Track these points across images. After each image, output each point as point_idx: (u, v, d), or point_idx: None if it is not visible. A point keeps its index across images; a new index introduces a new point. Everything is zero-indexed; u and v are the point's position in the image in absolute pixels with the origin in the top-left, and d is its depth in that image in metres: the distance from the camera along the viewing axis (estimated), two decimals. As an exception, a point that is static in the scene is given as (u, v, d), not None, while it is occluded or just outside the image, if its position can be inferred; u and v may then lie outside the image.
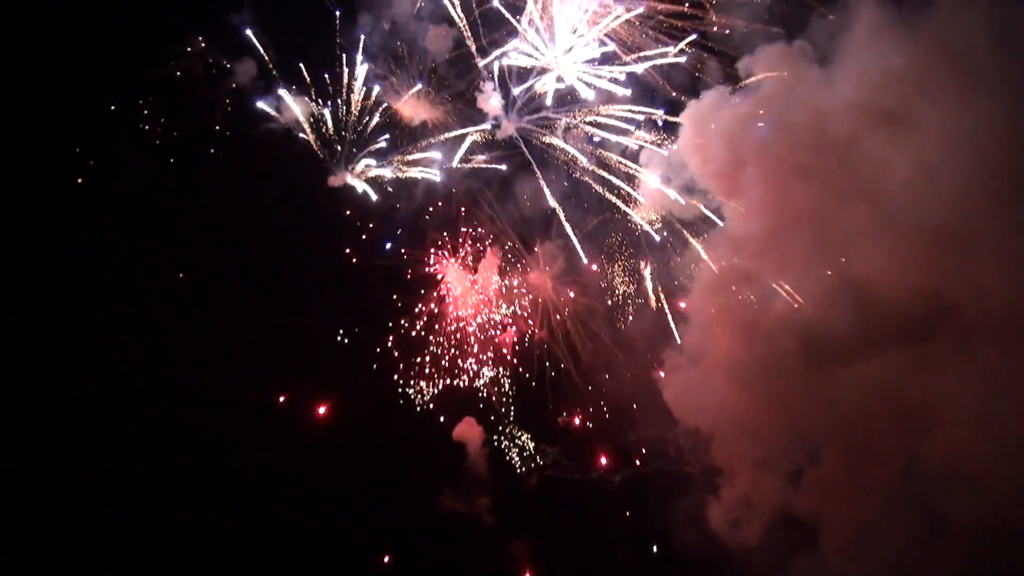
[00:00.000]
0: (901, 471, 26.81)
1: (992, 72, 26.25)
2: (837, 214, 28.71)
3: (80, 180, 32.39)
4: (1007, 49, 25.97)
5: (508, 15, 31.50)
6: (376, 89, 33.13)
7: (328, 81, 32.86)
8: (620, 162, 32.47)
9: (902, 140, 27.66)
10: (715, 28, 31.52)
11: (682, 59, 31.51)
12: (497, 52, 31.66)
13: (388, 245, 34.05)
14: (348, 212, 33.82)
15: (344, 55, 32.62)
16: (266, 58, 32.54)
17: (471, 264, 34.12)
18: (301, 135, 32.92)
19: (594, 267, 33.63)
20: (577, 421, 33.58)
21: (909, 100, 27.57)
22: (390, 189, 33.68)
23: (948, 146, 26.79)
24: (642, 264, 33.37)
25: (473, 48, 32.19)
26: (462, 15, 31.88)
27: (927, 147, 27.26)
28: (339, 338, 33.36)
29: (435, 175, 33.45)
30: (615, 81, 31.64)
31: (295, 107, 32.72)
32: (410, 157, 33.34)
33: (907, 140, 27.57)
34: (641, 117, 32.34)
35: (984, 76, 26.46)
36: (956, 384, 26.05)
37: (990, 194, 25.92)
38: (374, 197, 33.44)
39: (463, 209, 34.27)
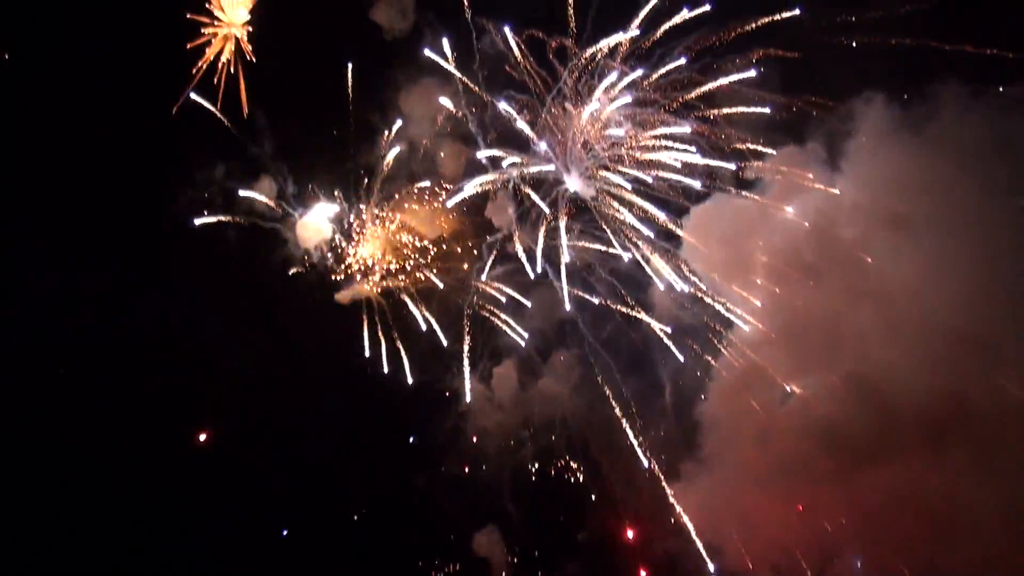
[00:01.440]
0: (923, 577, 27.29)
1: (997, 176, 27.47)
2: (850, 313, 29.63)
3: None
4: (1011, 153, 27.28)
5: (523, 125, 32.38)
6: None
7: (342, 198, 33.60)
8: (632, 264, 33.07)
9: (911, 242, 28.70)
10: (723, 136, 32.09)
11: (694, 155, 32.03)
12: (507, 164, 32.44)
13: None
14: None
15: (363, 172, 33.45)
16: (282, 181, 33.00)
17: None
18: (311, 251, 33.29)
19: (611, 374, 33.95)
20: (598, 534, 33.78)
21: (917, 203, 28.73)
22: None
23: (957, 248, 27.93)
24: (655, 369, 33.76)
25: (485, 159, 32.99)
26: (478, 130, 32.73)
27: (936, 249, 28.35)
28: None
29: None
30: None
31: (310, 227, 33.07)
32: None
33: (916, 242, 28.69)
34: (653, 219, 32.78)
35: (989, 180, 27.64)
36: (977, 489, 26.56)
37: (1003, 296, 26.91)
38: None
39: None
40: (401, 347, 33.93)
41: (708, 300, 31.90)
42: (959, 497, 26.80)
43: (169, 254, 33.78)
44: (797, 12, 30.56)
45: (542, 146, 32.49)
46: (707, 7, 30.80)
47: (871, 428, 27.78)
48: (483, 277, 34.18)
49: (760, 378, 30.87)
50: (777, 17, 30.91)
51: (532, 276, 33.17)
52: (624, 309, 33.37)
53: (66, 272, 33.03)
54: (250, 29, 32.68)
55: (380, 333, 33.88)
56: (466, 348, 34.20)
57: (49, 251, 33.06)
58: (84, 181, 33.01)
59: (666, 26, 31.37)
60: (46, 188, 32.89)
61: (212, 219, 33.17)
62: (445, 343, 34.16)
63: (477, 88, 32.86)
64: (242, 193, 33.52)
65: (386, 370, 33.90)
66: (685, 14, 31.02)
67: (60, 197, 32.88)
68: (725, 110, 31.86)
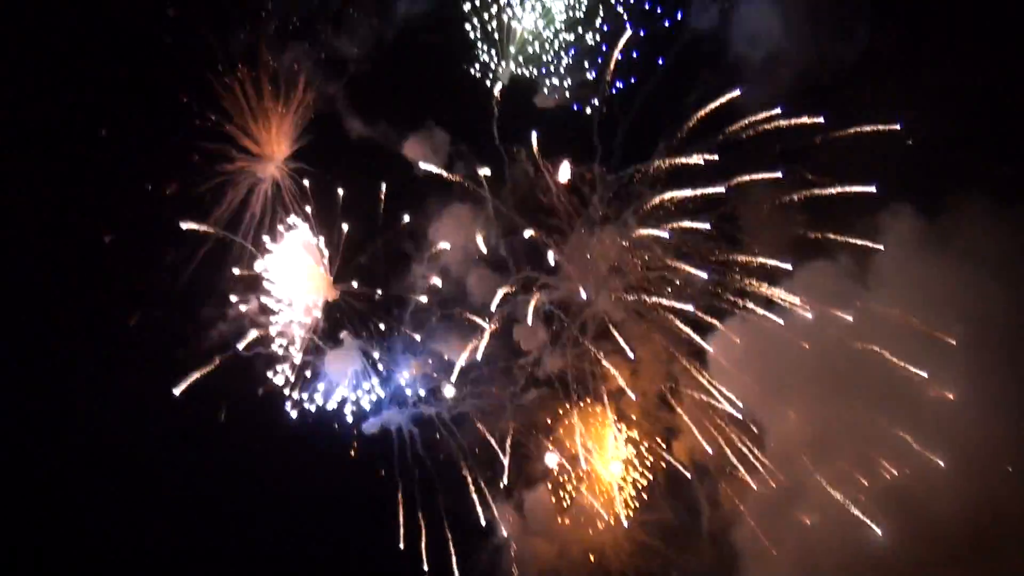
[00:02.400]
0: None
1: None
2: (886, 426, 29.04)
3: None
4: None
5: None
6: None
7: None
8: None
9: (944, 355, 28.13)
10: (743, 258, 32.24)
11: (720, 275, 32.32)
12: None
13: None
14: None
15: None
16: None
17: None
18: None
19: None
20: None
21: (948, 315, 28.42)
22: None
23: (991, 358, 27.37)
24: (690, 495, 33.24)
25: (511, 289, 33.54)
26: (508, 255, 33.53)
27: (970, 358, 27.84)
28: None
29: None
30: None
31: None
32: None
33: (949, 354, 28.06)
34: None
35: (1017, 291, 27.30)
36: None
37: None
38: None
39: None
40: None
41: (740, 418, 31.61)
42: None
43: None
44: (821, 120, 30.87)
45: (570, 269, 32.81)
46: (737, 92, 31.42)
47: (913, 541, 26.79)
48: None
49: (797, 496, 30.08)
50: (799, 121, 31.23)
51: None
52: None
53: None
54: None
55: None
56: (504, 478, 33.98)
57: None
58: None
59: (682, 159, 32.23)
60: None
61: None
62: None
63: (507, 213, 33.74)
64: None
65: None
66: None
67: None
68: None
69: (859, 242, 30.50)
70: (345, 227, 33.81)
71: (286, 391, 33.46)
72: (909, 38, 31.12)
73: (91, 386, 33.19)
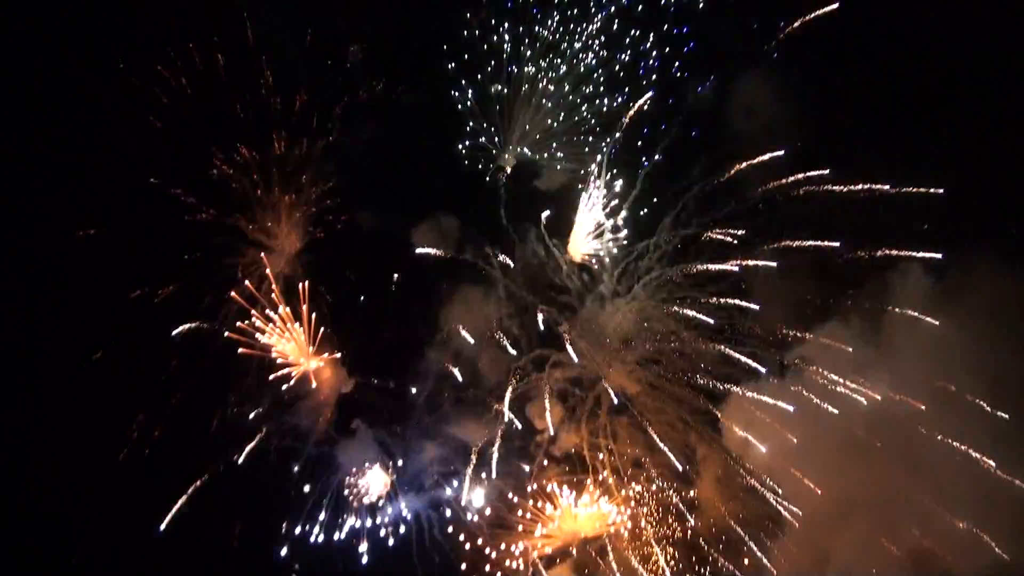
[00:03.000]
0: None
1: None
2: (908, 489, 28.78)
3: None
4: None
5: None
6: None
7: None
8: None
9: (962, 413, 27.93)
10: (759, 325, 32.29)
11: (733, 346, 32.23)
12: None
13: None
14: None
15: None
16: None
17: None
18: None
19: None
20: None
21: (963, 373, 28.29)
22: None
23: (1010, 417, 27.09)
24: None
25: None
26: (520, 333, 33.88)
27: (988, 418, 27.55)
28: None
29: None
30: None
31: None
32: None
33: (967, 413, 27.84)
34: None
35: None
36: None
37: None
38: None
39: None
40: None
41: (760, 489, 31.18)
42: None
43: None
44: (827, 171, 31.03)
45: (580, 346, 33.08)
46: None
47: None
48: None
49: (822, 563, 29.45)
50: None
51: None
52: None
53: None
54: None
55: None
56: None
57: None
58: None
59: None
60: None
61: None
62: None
63: (518, 293, 34.23)
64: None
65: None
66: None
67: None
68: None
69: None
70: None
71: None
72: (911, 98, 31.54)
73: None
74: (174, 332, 31.81)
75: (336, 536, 33.25)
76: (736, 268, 31.94)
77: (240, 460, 32.45)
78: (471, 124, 34.54)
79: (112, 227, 31.35)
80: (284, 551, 32.69)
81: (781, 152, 31.28)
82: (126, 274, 31.70)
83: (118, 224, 31.40)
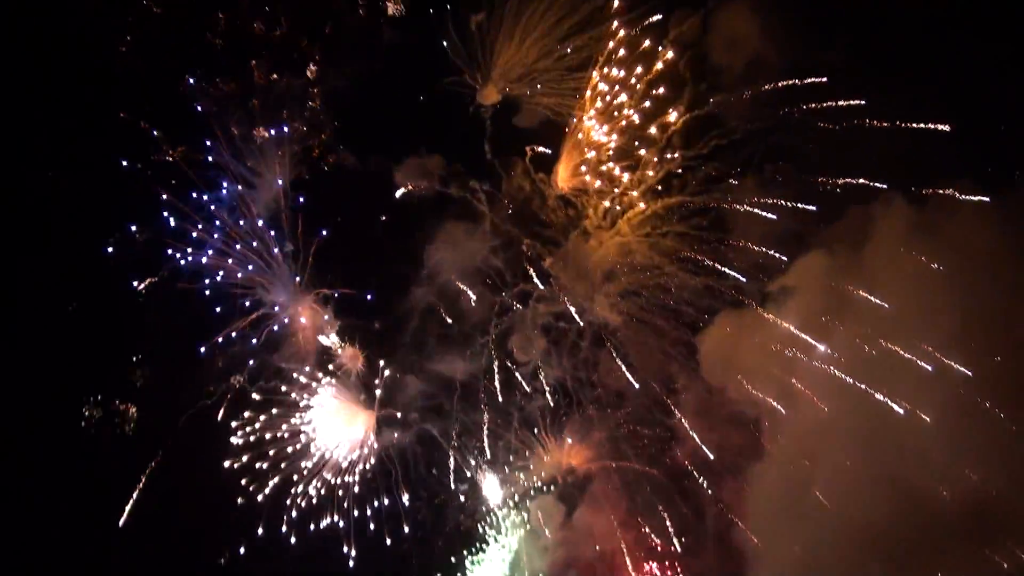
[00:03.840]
0: None
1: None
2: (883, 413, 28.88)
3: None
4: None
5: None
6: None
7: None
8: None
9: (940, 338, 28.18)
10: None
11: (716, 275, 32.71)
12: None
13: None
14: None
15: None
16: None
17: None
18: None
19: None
20: None
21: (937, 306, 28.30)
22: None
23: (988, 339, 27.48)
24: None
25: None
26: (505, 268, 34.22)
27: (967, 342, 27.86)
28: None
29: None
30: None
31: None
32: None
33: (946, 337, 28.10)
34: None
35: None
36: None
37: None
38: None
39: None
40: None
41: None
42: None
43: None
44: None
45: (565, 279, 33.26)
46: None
47: (914, 528, 26.80)
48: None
49: (799, 490, 29.89)
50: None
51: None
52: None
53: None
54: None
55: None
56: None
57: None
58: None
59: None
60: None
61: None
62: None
63: (504, 227, 34.45)
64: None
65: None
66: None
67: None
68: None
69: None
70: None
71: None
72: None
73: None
74: (140, 285, 31.90)
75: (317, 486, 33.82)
76: (719, 201, 32.00)
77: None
78: (454, 60, 34.16)
79: (77, 166, 31.11)
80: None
81: (767, 85, 31.14)
82: (92, 218, 31.52)
83: (84, 163, 31.15)
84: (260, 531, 33.15)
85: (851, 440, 29.21)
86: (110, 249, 31.70)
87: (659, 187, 33.16)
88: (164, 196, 31.76)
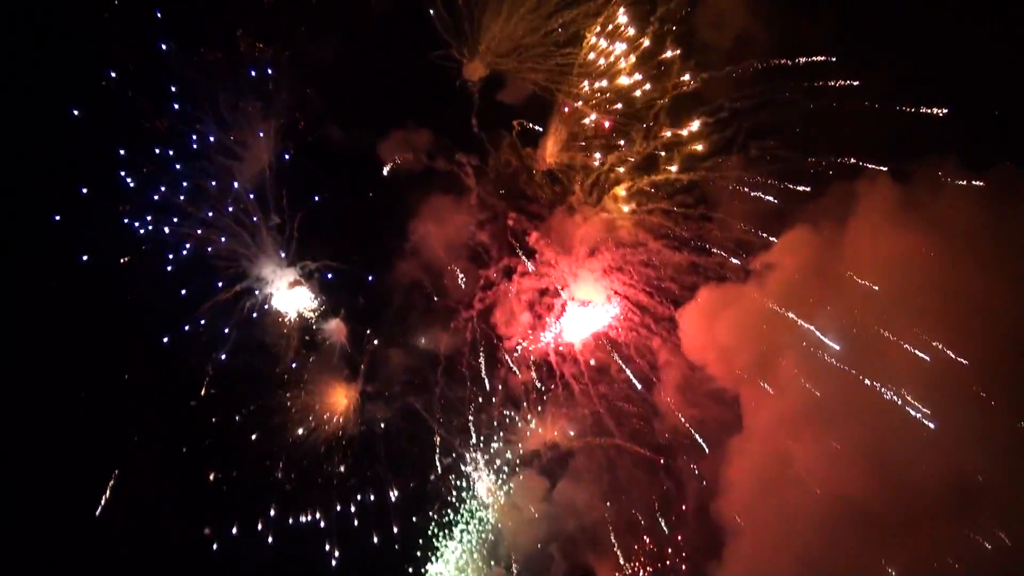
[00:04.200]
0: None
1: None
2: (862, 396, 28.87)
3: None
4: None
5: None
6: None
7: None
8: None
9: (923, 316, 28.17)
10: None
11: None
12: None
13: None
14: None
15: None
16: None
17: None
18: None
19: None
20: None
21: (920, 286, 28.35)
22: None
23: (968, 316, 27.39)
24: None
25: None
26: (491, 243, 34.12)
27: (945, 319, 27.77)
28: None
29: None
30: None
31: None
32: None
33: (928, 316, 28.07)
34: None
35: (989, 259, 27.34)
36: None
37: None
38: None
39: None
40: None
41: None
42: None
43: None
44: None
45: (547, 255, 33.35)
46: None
47: (895, 506, 26.87)
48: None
49: (779, 465, 29.86)
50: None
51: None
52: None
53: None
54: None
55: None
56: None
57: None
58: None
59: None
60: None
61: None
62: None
63: (489, 202, 34.49)
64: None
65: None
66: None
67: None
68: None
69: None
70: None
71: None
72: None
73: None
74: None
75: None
76: (704, 179, 32.07)
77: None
78: (441, 33, 33.99)
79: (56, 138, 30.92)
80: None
81: (754, 63, 31.04)
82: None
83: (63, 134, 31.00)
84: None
85: (833, 416, 29.08)
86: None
87: (645, 164, 33.13)
88: (146, 169, 31.74)
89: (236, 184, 33.17)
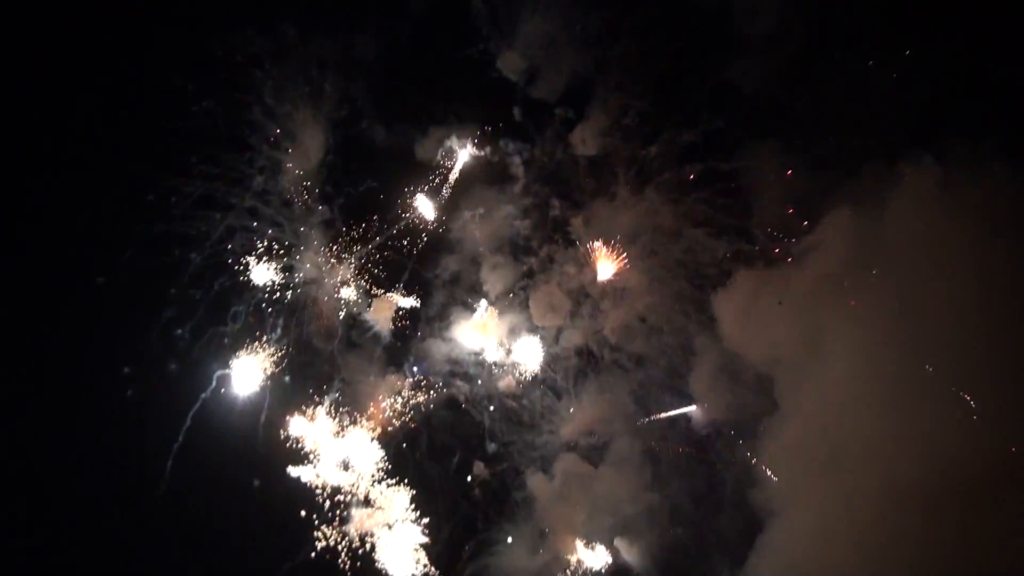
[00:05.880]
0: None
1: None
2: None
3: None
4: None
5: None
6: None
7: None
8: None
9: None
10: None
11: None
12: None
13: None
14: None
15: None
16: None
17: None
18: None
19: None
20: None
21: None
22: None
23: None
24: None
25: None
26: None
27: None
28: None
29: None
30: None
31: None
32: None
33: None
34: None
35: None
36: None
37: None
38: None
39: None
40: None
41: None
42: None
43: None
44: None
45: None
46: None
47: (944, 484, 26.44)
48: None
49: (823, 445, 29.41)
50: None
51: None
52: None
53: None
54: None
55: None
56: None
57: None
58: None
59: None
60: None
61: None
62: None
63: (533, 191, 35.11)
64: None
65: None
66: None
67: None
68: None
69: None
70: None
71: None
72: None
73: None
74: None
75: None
76: (742, 165, 32.16)
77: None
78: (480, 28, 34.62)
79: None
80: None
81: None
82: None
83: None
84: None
85: (876, 397, 28.54)
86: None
87: (685, 151, 33.30)
88: (193, 159, 32.65)
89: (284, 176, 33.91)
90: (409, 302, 35.39)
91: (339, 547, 33.18)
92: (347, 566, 33.13)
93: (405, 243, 35.27)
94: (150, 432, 33.01)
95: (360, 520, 33.63)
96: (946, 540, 26.57)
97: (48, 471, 32.11)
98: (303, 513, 33.20)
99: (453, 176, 35.17)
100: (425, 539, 33.83)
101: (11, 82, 30.50)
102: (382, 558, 33.43)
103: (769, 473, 30.72)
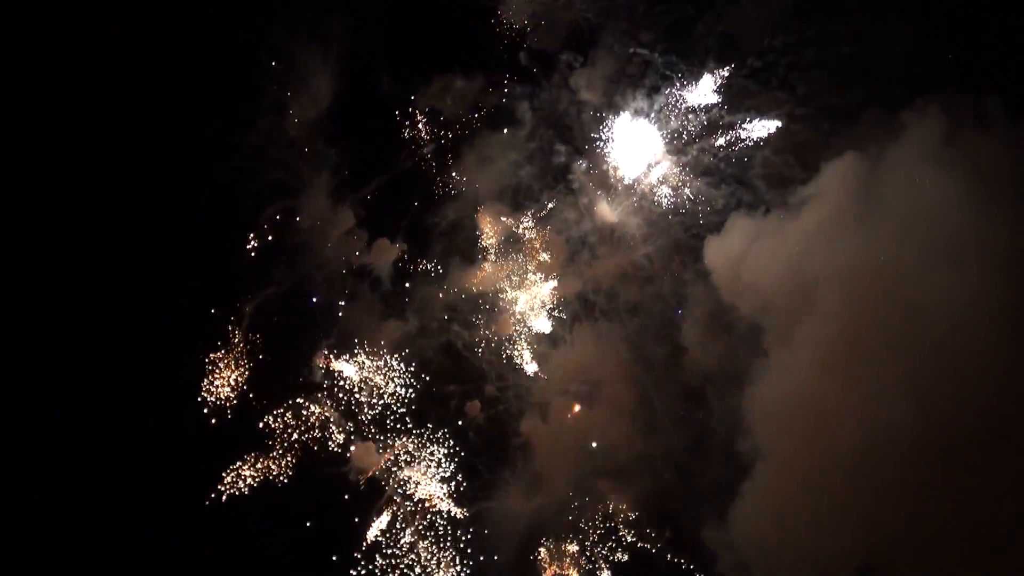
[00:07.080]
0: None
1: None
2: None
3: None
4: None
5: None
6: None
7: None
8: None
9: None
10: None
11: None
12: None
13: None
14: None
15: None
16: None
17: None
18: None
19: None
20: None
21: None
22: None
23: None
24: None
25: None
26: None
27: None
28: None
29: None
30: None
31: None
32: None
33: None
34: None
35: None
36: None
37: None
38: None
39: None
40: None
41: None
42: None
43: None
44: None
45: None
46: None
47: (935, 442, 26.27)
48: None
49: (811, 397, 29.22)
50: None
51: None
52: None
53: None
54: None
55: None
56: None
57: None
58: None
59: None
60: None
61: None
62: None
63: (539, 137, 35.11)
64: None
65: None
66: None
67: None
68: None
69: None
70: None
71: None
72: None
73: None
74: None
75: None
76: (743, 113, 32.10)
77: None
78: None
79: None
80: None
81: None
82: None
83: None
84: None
85: (870, 349, 28.35)
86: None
87: (685, 101, 33.06)
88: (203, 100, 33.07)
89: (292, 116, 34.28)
90: (409, 247, 35.63)
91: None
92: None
93: (406, 189, 35.49)
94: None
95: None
96: (928, 493, 26.55)
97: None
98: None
99: (457, 122, 35.34)
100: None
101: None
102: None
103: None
